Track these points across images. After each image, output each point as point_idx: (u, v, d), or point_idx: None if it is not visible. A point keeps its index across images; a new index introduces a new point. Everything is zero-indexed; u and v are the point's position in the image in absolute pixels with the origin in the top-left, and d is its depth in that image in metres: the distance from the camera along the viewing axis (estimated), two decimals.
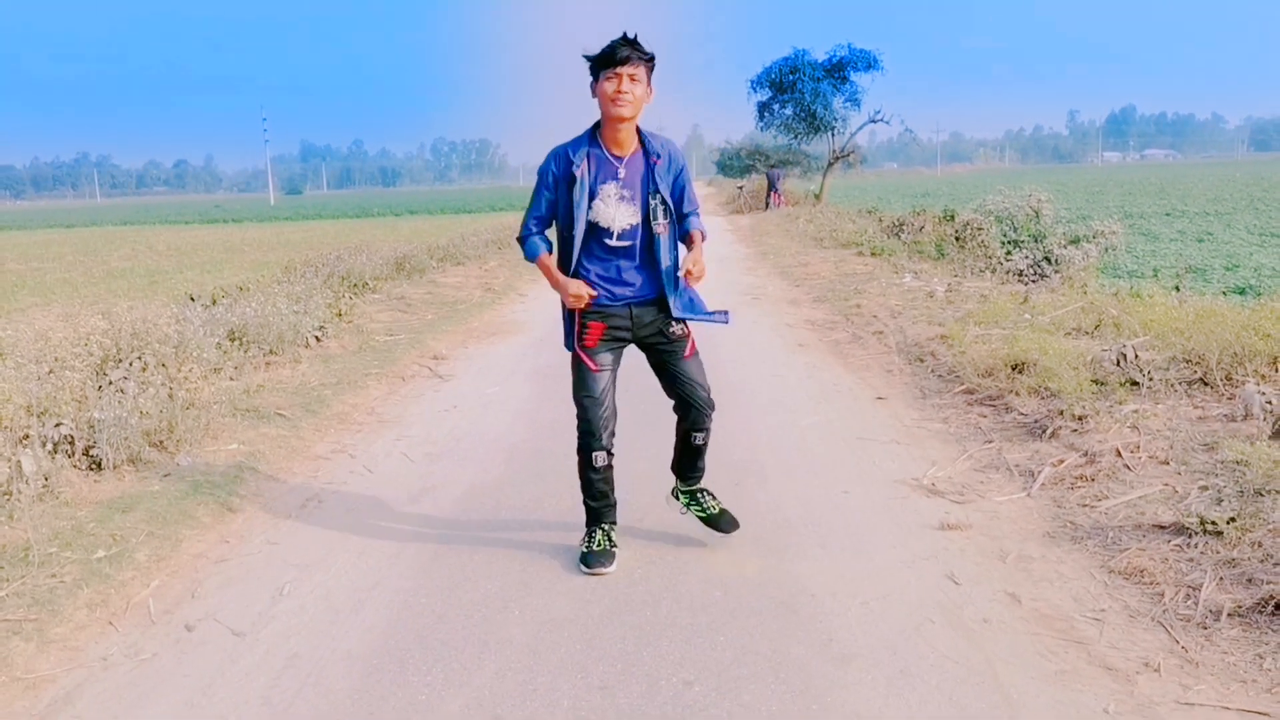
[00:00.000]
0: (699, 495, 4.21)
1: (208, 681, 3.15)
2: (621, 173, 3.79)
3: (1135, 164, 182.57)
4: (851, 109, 37.01)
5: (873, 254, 16.21)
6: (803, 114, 36.98)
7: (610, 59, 3.64)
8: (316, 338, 8.66)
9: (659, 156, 3.83)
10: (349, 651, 3.33)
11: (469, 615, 3.57)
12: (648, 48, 3.72)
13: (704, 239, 3.94)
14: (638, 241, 3.85)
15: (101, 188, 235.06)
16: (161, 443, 5.35)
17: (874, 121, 37.49)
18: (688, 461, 4.18)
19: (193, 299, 10.28)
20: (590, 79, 3.75)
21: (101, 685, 3.15)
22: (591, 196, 3.77)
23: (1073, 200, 36.86)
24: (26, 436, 4.89)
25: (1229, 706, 2.84)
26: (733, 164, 59.54)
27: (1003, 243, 15.63)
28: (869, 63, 36.18)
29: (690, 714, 2.88)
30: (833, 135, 37.91)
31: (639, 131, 3.82)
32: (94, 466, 4.98)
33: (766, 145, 46.53)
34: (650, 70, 3.73)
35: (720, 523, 4.14)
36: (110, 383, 5.77)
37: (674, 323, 3.95)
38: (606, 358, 3.94)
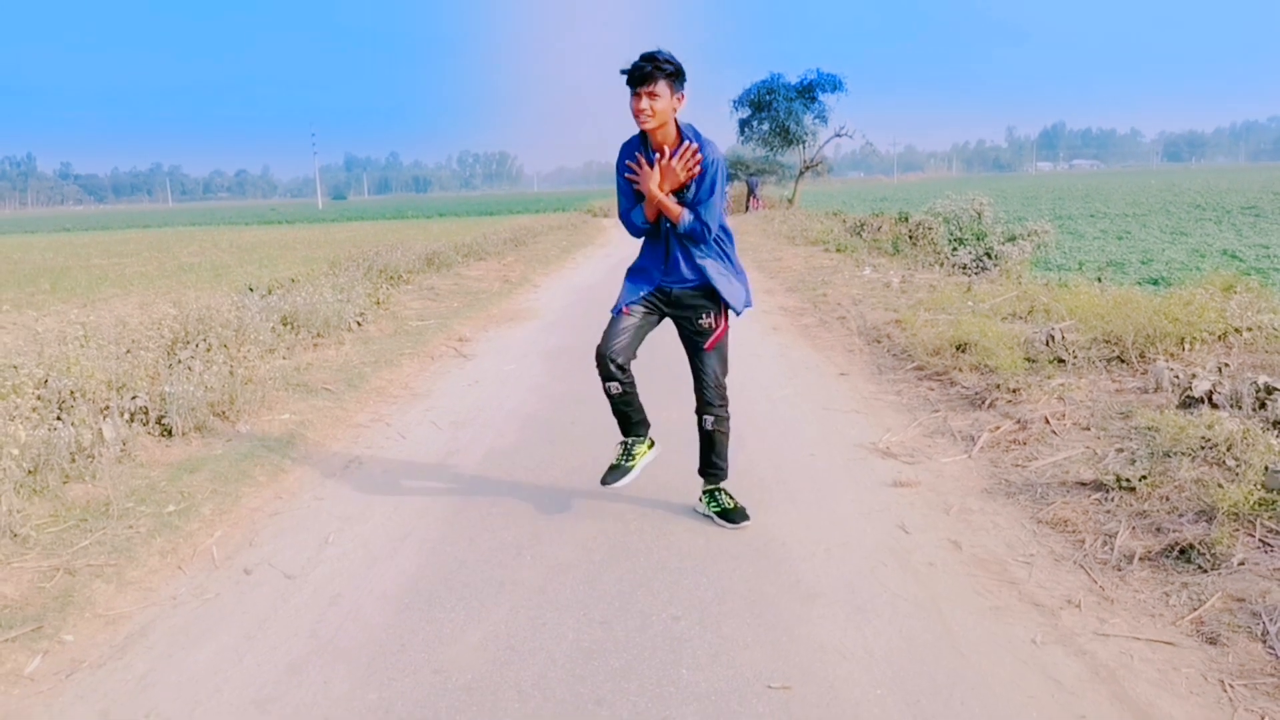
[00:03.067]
0: (716, 494, 3.99)
1: (263, 617, 3.15)
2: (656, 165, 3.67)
3: (1065, 173, 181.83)
4: (820, 125, 36.85)
5: (838, 250, 16.13)
6: (778, 129, 36.81)
7: (632, 78, 3.54)
8: (358, 323, 8.61)
9: (699, 162, 3.65)
10: (384, 592, 3.32)
11: (487, 560, 3.56)
12: (673, 59, 3.56)
13: (678, 218, 3.68)
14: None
15: (173, 193, 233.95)
16: (224, 413, 5.32)
17: (839, 136, 37.31)
18: (704, 453, 3.97)
19: (251, 289, 10.21)
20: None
21: (171, 621, 3.14)
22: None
23: (1010, 205, 36.69)
24: (107, 408, 4.87)
25: (1139, 637, 2.84)
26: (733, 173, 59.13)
27: (949, 240, 15.58)
28: (835, 85, 36.02)
29: (678, 645, 2.88)
30: (803, 148, 37.74)
31: (680, 130, 3.66)
32: (165, 433, 4.95)
33: (746, 156, 46.27)
34: (673, 81, 3.56)
35: (731, 515, 3.91)
36: (179, 361, 5.74)
37: (706, 314, 3.82)
38: (638, 309, 3.83)
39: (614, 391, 3.84)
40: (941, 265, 12.96)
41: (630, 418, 3.95)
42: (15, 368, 4.87)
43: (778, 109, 36.16)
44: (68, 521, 3.80)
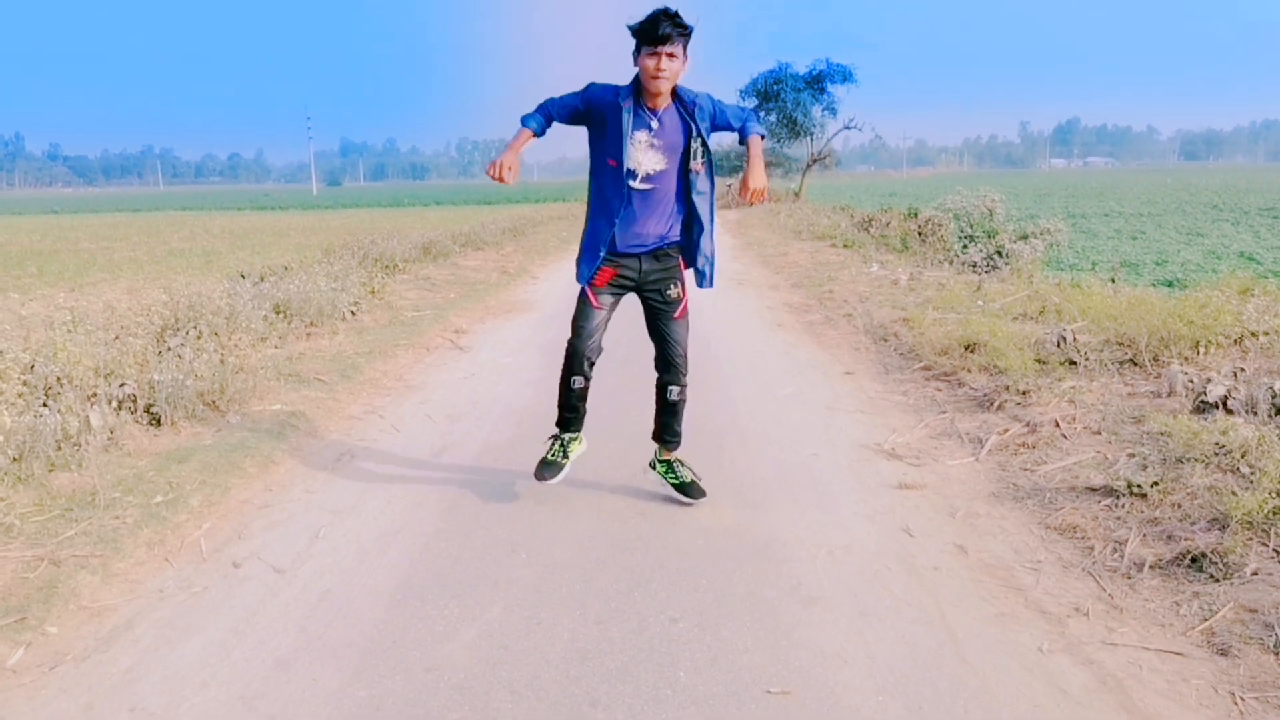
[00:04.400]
0: (674, 465, 4.13)
1: (252, 612, 3.15)
2: (654, 124, 3.66)
3: (1079, 170, 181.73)
4: (828, 117, 36.84)
5: (844, 246, 16.14)
6: (785, 121, 36.84)
7: (652, 36, 3.49)
8: (352, 312, 8.61)
9: (694, 104, 3.69)
10: (375, 588, 3.32)
11: (482, 557, 3.57)
12: (687, 19, 3.55)
13: (763, 140, 3.84)
14: (662, 188, 3.73)
15: (164, 176, 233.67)
16: (214, 402, 5.32)
17: (848, 128, 37.36)
18: (665, 421, 4.09)
19: (243, 276, 10.21)
20: (633, 47, 3.59)
21: (158, 614, 3.14)
22: (623, 139, 3.65)
23: (1023, 202, 36.68)
24: (94, 395, 4.87)
25: (1148, 646, 2.84)
26: (722, 164, 59.16)
27: (959, 238, 15.58)
28: (844, 76, 36.05)
29: (676, 648, 2.88)
30: (811, 140, 37.77)
31: (676, 90, 3.69)
32: (154, 422, 4.95)
33: None
34: (687, 41, 3.57)
35: (690, 490, 4.05)
36: (168, 349, 5.74)
37: (674, 284, 3.89)
38: (608, 298, 3.90)
39: (577, 386, 3.96)
40: (951, 263, 12.96)
41: (580, 412, 4.09)
42: (0, 352, 4.86)
43: (785, 100, 36.15)
44: (53, 511, 3.80)
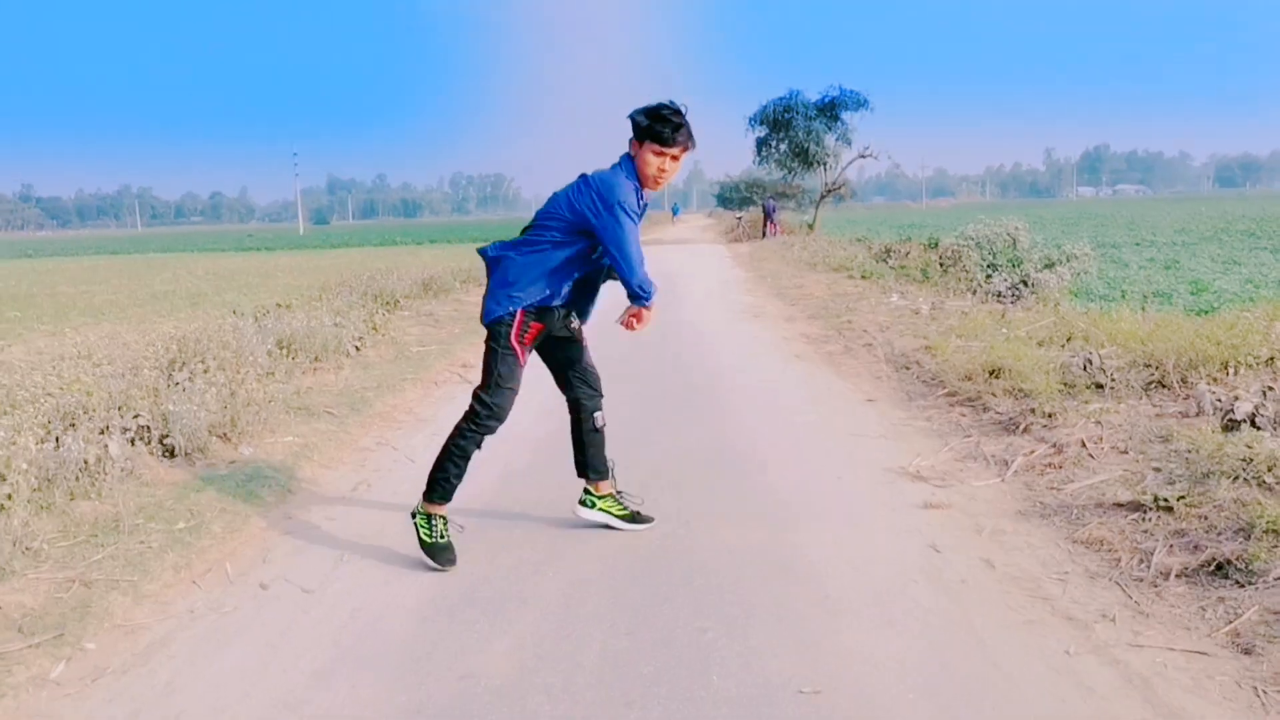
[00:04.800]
0: (617, 496, 4.30)
1: (284, 628, 3.39)
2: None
3: (1108, 199, 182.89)
4: (842, 145, 37.33)
5: (863, 277, 16.46)
6: (797, 150, 37.27)
7: (664, 139, 3.69)
8: (356, 347, 8.91)
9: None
10: (405, 605, 3.57)
11: (508, 576, 3.81)
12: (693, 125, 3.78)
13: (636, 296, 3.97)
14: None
15: (142, 218, 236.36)
16: (225, 435, 5.59)
17: (863, 157, 37.78)
18: (595, 451, 4.24)
19: (236, 314, 10.53)
20: (633, 134, 3.77)
21: (191, 632, 3.39)
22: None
23: (1049, 232, 37.07)
24: (107, 428, 5.14)
25: (1173, 648, 3.07)
26: (732, 196, 59.94)
27: (982, 267, 15.89)
28: (858, 102, 36.50)
29: (706, 654, 3.11)
30: (825, 170, 38.21)
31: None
32: (168, 454, 5.22)
33: (763, 179, 46.91)
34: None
35: (641, 517, 4.27)
36: (176, 383, 6.02)
37: (574, 318, 4.04)
38: (529, 355, 4.07)
39: (479, 446, 4.07)
40: (974, 293, 13.24)
41: (462, 476, 4.06)
42: (17, 385, 5.15)
43: (797, 128, 36.68)
44: (78, 537, 4.07)
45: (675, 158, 3.76)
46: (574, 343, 4.13)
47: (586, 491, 4.32)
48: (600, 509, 4.29)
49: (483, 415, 4.00)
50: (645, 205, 3.88)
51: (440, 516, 3.99)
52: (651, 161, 3.74)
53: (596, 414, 4.20)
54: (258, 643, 3.29)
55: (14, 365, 8.00)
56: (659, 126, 3.70)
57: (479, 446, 4.04)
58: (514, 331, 3.91)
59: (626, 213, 3.73)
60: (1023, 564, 3.80)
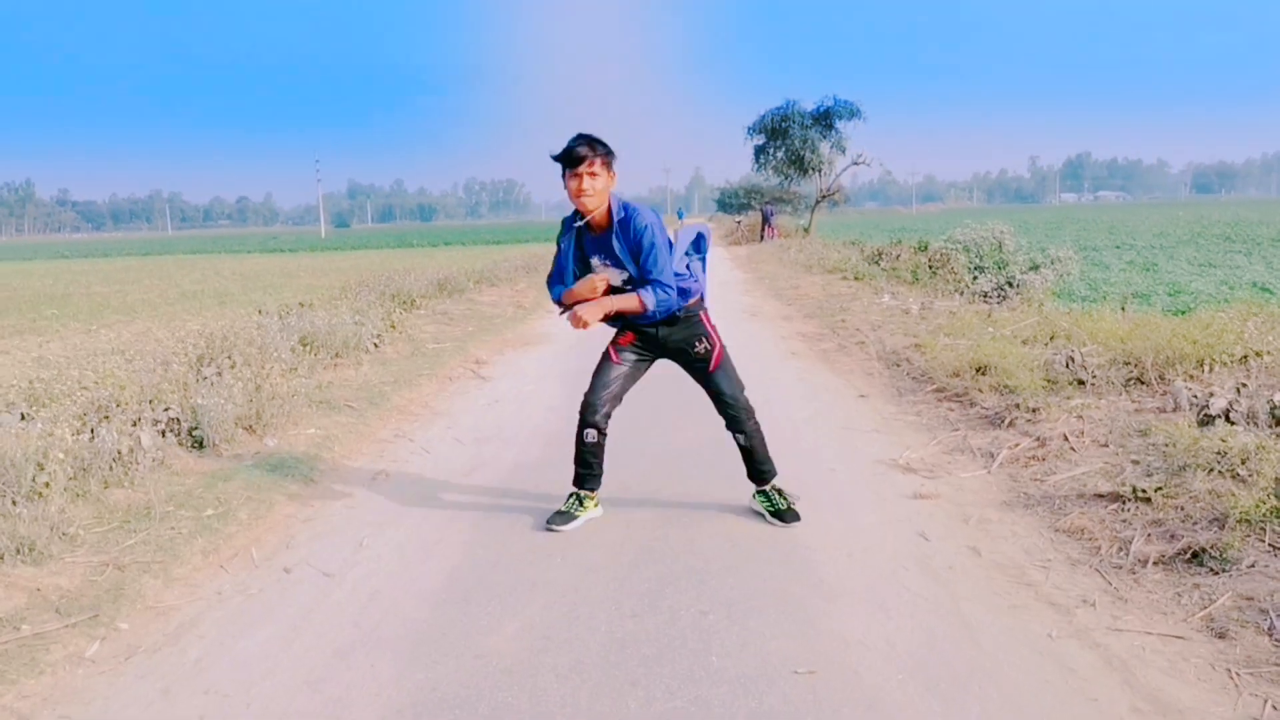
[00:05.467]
0: (769, 493, 4.31)
1: (307, 610, 3.40)
2: (596, 246, 3.95)
3: (1089, 204, 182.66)
4: (836, 153, 37.31)
5: (855, 278, 16.44)
6: (793, 157, 37.30)
7: (570, 159, 3.76)
8: (375, 344, 8.92)
9: (622, 225, 3.90)
10: (421, 589, 3.57)
11: (519, 562, 3.82)
12: (607, 143, 3.84)
13: (641, 306, 3.92)
14: (635, 288, 3.96)
15: (172, 221, 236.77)
16: (251, 427, 5.60)
17: (856, 164, 37.75)
18: (747, 464, 4.31)
19: (260, 313, 10.54)
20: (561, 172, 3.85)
21: (219, 613, 3.40)
22: (587, 264, 3.99)
23: (1033, 236, 36.99)
24: (139, 420, 5.16)
25: (1151, 632, 3.07)
26: (731, 202, 59.95)
27: (970, 269, 15.87)
28: (852, 112, 36.51)
29: (707, 636, 3.12)
30: (820, 176, 38.20)
31: (612, 203, 3.90)
32: (196, 445, 5.24)
33: (761, 185, 46.89)
34: (609, 160, 3.83)
35: (784, 515, 4.21)
36: (205, 377, 6.04)
37: (698, 341, 4.11)
38: (630, 357, 4.15)
39: (590, 439, 4.14)
40: (962, 293, 13.22)
41: (593, 468, 4.22)
42: (54, 380, 5.16)
43: (793, 136, 36.69)
44: (111, 523, 4.08)
45: (591, 174, 3.77)
46: (691, 366, 4.20)
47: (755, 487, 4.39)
48: (758, 501, 4.35)
49: (580, 407, 4.26)
50: (602, 239, 3.92)
51: (575, 493, 4.28)
52: (570, 186, 3.82)
53: (736, 435, 4.29)
54: (281, 623, 3.30)
55: (51, 360, 8.04)
56: (563, 152, 3.80)
57: (582, 439, 4.22)
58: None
59: (559, 238, 4.03)
60: (1007, 552, 3.80)
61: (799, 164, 37.36)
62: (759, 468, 4.30)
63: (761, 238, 36.87)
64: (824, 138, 36.88)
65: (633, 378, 4.19)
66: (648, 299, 3.90)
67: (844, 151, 37.27)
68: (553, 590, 3.53)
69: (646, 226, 3.87)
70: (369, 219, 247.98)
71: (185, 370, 6.00)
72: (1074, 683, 2.78)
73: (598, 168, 3.79)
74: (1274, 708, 2.59)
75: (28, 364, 8.12)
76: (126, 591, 3.47)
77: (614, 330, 4.21)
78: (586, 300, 3.91)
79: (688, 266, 4.14)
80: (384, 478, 5.08)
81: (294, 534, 4.20)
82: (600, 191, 3.82)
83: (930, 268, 16.83)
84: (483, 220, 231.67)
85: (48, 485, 4.00)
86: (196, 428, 5.25)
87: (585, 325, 3.87)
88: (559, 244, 4.03)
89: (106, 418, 4.98)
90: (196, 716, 2.71)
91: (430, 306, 12.90)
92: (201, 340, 6.89)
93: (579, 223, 3.93)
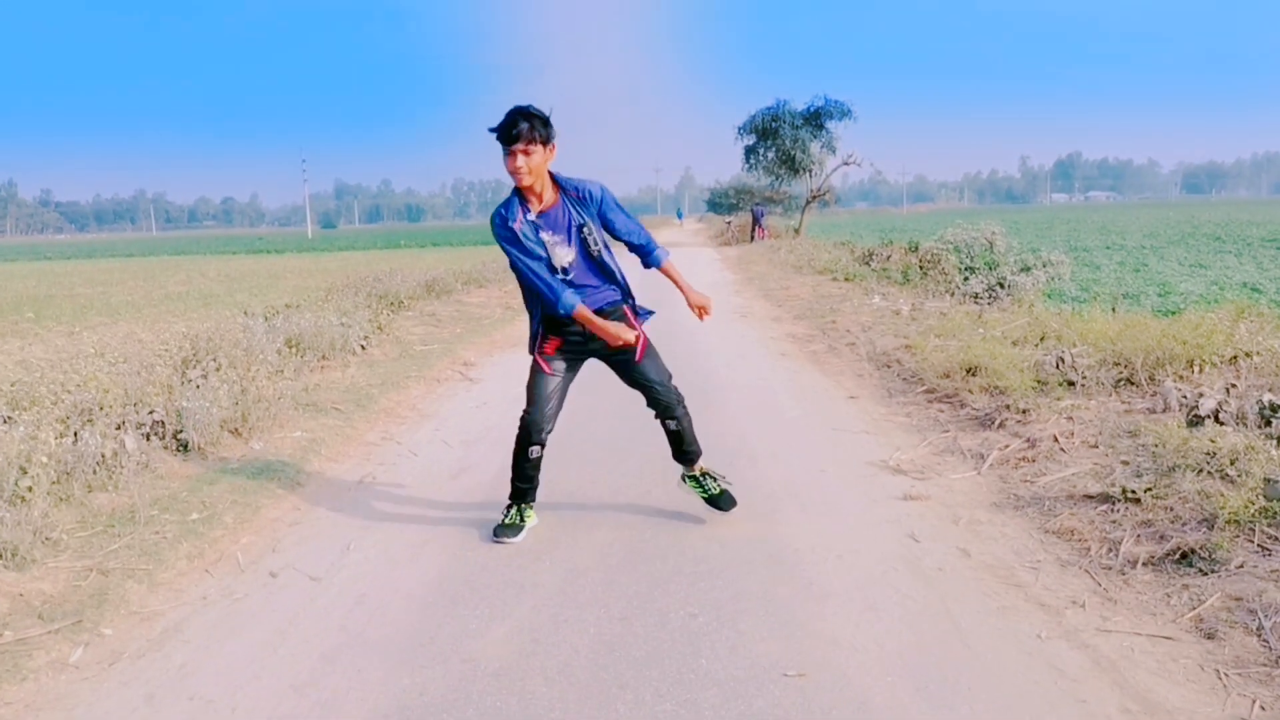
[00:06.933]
0: (702, 479, 4.33)
1: (293, 614, 3.39)
2: (548, 222, 3.83)
3: (1080, 204, 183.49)
4: (827, 153, 37.36)
5: (846, 279, 16.48)
6: (784, 157, 37.33)
7: (504, 136, 3.65)
8: (362, 346, 8.90)
9: (580, 194, 3.86)
10: (408, 592, 3.57)
11: (507, 564, 3.82)
12: (542, 112, 3.70)
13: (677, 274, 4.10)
14: (579, 271, 3.90)
15: (157, 221, 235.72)
16: (236, 430, 5.59)
17: (847, 164, 37.79)
18: (675, 447, 4.30)
19: (246, 314, 10.50)
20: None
21: (204, 618, 3.39)
22: (541, 244, 3.83)
23: (1024, 236, 37.16)
24: (122, 423, 5.13)
25: (1140, 632, 3.09)
26: (722, 202, 60.03)
27: (960, 270, 15.92)
28: (842, 112, 36.56)
29: (696, 639, 3.12)
30: (810, 176, 38.25)
31: (555, 180, 3.84)
32: (181, 448, 5.22)
33: (752, 185, 46.94)
34: (545, 134, 3.68)
35: (720, 502, 4.26)
36: (190, 380, 6.02)
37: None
38: (560, 365, 4.06)
39: (534, 455, 4.10)
40: (952, 294, 13.26)
41: (534, 482, 4.19)
42: (36, 383, 5.14)
43: (783, 136, 36.73)
44: (95, 527, 4.07)
45: (525, 151, 3.65)
46: (618, 360, 4.12)
47: (683, 470, 4.41)
48: (687, 486, 4.39)
49: (521, 423, 4.20)
50: (548, 218, 3.84)
51: (515, 506, 4.25)
52: (507, 165, 3.72)
53: (667, 421, 4.24)
54: (267, 628, 3.29)
55: (34, 363, 7.99)
56: (498, 128, 3.68)
57: (526, 455, 4.17)
58: (535, 343, 4.13)
59: (502, 240, 3.85)
60: (997, 553, 3.82)
61: (789, 164, 37.40)
62: (686, 449, 4.29)
63: (752, 238, 36.91)
64: (814, 138, 36.92)
65: (567, 386, 4.14)
66: (664, 254, 4.10)
67: (835, 151, 37.32)
68: (541, 593, 3.53)
69: (602, 188, 3.90)
70: (356, 219, 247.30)
71: (170, 373, 5.97)
72: (1063, 683, 2.79)
73: (534, 144, 3.66)
74: (1262, 708, 2.61)
75: (10, 367, 8.07)
76: (110, 596, 3.46)
77: (532, 337, 4.11)
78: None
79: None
80: (371, 480, 5.07)
81: (280, 538, 4.19)
82: (537, 168, 3.70)
83: (921, 268, 16.89)
84: (471, 221, 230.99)
85: (30, 489, 3.98)
86: (181, 431, 5.23)
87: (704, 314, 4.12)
88: (518, 242, 3.80)
89: (90, 421, 4.96)
90: None
91: (418, 308, 12.88)
92: (186, 342, 6.86)
93: (530, 214, 3.80)
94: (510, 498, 4.22)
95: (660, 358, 4.19)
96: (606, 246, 3.98)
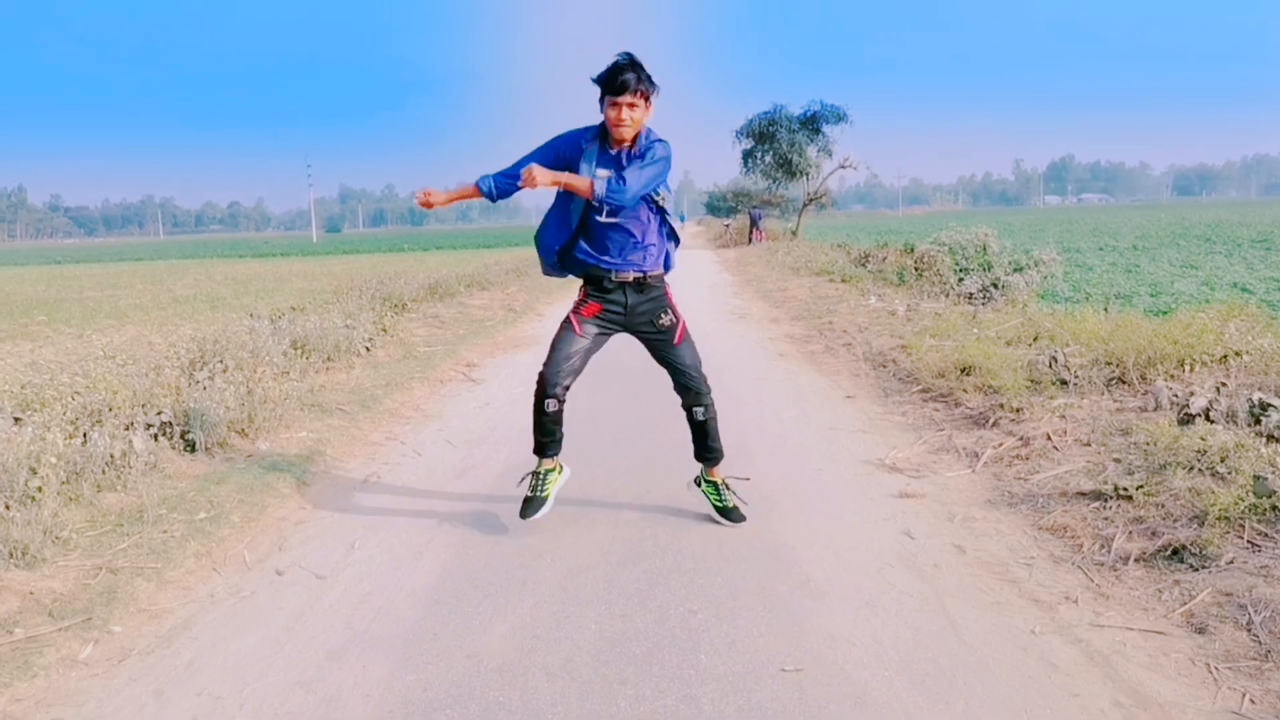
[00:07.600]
0: (720, 487, 4.22)
1: (300, 612, 3.40)
2: (614, 162, 3.75)
3: (1073, 207, 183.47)
4: (824, 157, 37.36)
5: (843, 280, 16.47)
6: (781, 161, 37.34)
7: (612, 86, 3.58)
8: (366, 348, 8.90)
9: (641, 148, 3.74)
10: (413, 590, 3.57)
11: (510, 563, 3.82)
12: (648, 69, 3.64)
13: (590, 190, 3.63)
14: (628, 223, 3.83)
15: (165, 226, 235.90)
16: (243, 430, 5.59)
17: (843, 167, 37.79)
18: (699, 441, 4.20)
19: (252, 317, 10.51)
20: (599, 95, 3.69)
21: (212, 615, 3.39)
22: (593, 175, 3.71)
23: (1018, 238, 37.15)
24: (131, 424, 5.14)
25: (1132, 627, 3.09)
26: (720, 205, 60.04)
27: (955, 271, 15.91)
28: (839, 116, 36.57)
29: (696, 635, 3.13)
30: (807, 180, 38.25)
31: (641, 130, 3.76)
32: (189, 448, 5.22)
33: (750, 188, 46.95)
34: (650, 89, 3.64)
35: (730, 514, 4.17)
36: (197, 381, 6.02)
37: (663, 314, 4.00)
38: (592, 329, 3.99)
39: (551, 409, 4.02)
40: (947, 295, 13.27)
41: (555, 435, 4.13)
42: (46, 384, 5.14)
43: (781, 140, 36.74)
44: (104, 527, 4.07)
45: (631, 104, 3.60)
46: (655, 339, 4.08)
47: (700, 472, 4.31)
48: (701, 490, 4.29)
49: (539, 376, 4.14)
50: (617, 155, 3.76)
51: (536, 473, 4.22)
52: (609, 115, 3.66)
53: (694, 409, 4.16)
54: (274, 625, 3.29)
55: (44, 365, 7.99)
56: (604, 76, 3.63)
57: (543, 409, 4.11)
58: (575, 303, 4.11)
59: (557, 141, 3.83)
60: (992, 549, 3.82)
61: (787, 167, 37.40)
62: (711, 444, 4.20)
63: (749, 241, 36.92)
64: (811, 141, 36.93)
65: (592, 352, 4.05)
66: (599, 186, 3.62)
67: (831, 155, 37.33)
68: (543, 590, 3.53)
69: (664, 153, 3.73)
70: (361, 223, 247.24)
71: (177, 374, 5.98)
72: (1057, 678, 2.79)
73: (639, 100, 3.61)
74: (1252, 701, 2.62)
75: (20, 369, 8.08)
76: (119, 594, 3.46)
77: (576, 300, 4.07)
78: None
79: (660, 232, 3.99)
80: (375, 480, 5.07)
81: (286, 536, 4.19)
82: (638, 122, 3.65)
83: (916, 270, 16.87)
84: (474, 225, 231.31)
85: (40, 489, 3.98)
86: (189, 431, 5.23)
87: (534, 184, 3.60)
88: (556, 142, 3.79)
89: (99, 422, 4.96)
90: (189, 718, 2.70)
91: (421, 310, 12.87)
92: (194, 344, 6.86)
93: (609, 149, 3.74)
94: (535, 451, 4.16)
95: (695, 347, 4.16)
96: (661, 210, 3.89)
